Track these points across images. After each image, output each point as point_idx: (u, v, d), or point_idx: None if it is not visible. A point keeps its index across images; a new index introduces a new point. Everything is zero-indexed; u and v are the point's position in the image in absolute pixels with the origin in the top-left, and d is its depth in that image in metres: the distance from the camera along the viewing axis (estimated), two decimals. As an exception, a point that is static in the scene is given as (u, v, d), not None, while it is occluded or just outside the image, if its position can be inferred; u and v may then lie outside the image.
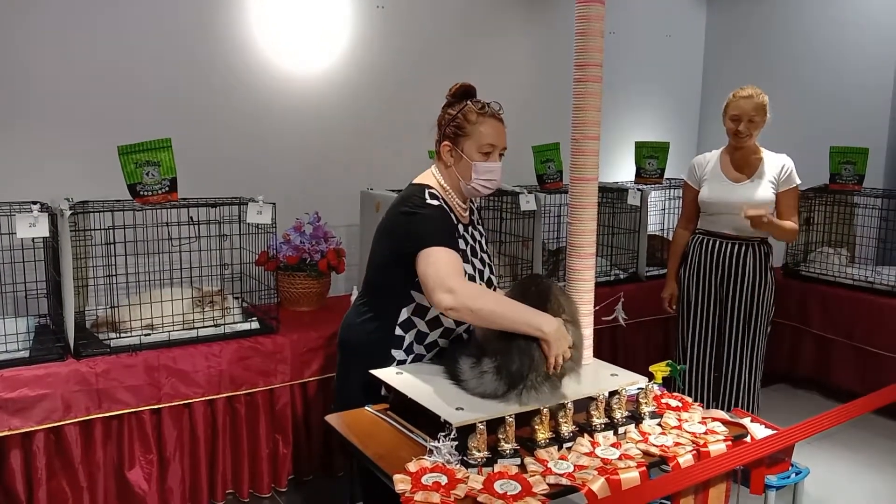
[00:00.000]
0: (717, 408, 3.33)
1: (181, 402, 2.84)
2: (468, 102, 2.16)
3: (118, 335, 2.82)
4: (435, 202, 2.10)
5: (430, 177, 2.21)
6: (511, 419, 1.74)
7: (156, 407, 2.80)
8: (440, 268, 1.94)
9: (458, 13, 4.46)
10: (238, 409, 2.98)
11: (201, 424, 2.90)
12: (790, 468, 2.24)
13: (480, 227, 2.34)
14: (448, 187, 2.18)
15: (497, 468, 1.68)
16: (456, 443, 1.70)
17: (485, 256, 2.27)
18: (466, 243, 2.17)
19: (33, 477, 2.59)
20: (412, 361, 2.19)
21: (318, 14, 3.94)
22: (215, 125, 3.69)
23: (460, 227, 2.16)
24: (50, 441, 2.62)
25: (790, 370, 4.55)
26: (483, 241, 2.30)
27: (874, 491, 3.37)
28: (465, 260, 2.11)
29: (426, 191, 2.13)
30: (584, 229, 2.26)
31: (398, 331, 2.17)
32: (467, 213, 2.25)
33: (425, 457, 1.71)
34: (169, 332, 2.88)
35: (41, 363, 2.60)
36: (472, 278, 2.14)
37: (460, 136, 2.13)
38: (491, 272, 2.27)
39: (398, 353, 2.18)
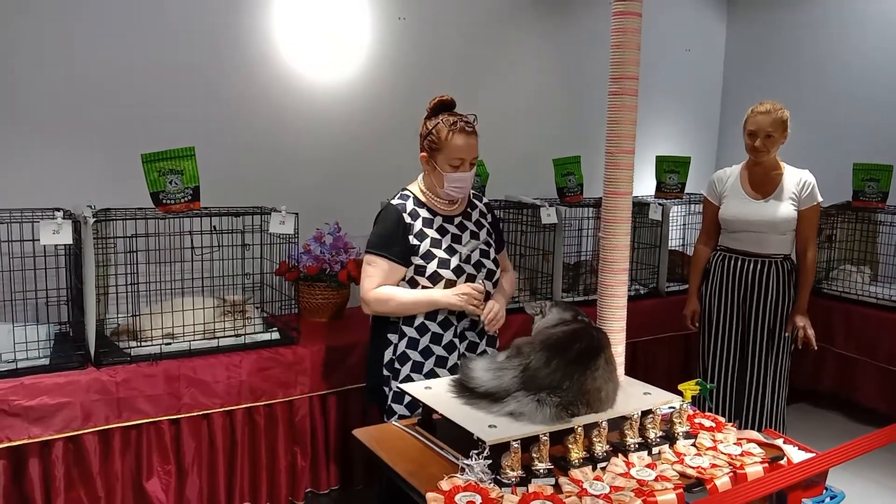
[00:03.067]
0: (741, 427, 3.29)
1: (200, 413, 2.82)
2: (440, 119, 2.34)
3: (139, 344, 2.80)
4: (396, 201, 2.40)
5: (418, 179, 2.47)
6: (545, 437, 1.71)
7: (175, 417, 2.77)
8: (363, 280, 2.36)
9: (478, 25, 4.45)
10: (257, 421, 2.95)
11: (220, 435, 2.87)
12: (825, 492, 2.19)
13: (483, 220, 2.50)
14: (427, 189, 2.42)
15: (532, 488, 1.64)
16: (489, 461, 1.66)
17: (477, 244, 2.43)
18: (445, 233, 2.37)
19: (51, 486, 2.56)
20: (406, 346, 2.35)
21: (339, 25, 3.94)
22: (238, 134, 3.67)
23: (437, 220, 2.38)
24: (69, 450, 2.59)
25: (812, 389, 4.49)
26: (482, 232, 2.47)
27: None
28: (437, 246, 2.35)
29: (400, 191, 2.44)
30: (617, 244, 2.23)
31: (392, 317, 2.39)
32: (456, 206, 2.44)
33: (457, 475, 1.67)
34: (189, 341, 2.86)
35: (61, 371, 2.58)
36: (444, 263, 2.33)
37: (434, 150, 2.34)
38: (483, 256, 2.42)
39: (392, 337, 2.39)
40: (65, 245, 2.68)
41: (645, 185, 4.80)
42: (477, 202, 2.54)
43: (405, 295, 2.32)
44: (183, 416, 2.78)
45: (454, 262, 2.33)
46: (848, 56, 5.07)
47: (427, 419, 1.98)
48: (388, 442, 1.93)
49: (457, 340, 2.38)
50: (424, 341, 2.35)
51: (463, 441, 1.77)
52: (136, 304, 2.93)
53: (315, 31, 3.86)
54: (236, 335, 2.96)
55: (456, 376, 2.07)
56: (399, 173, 4.05)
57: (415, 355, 2.35)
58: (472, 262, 2.38)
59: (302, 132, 3.87)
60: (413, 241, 2.33)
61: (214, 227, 3.02)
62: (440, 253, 2.34)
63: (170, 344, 2.83)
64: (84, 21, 3.25)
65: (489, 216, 2.54)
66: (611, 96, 2.18)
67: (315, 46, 3.87)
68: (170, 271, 3.06)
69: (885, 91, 4.89)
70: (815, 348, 3.33)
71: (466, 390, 1.91)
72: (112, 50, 3.32)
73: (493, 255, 2.46)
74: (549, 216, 3.74)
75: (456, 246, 2.37)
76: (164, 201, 2.73)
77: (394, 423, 2.05)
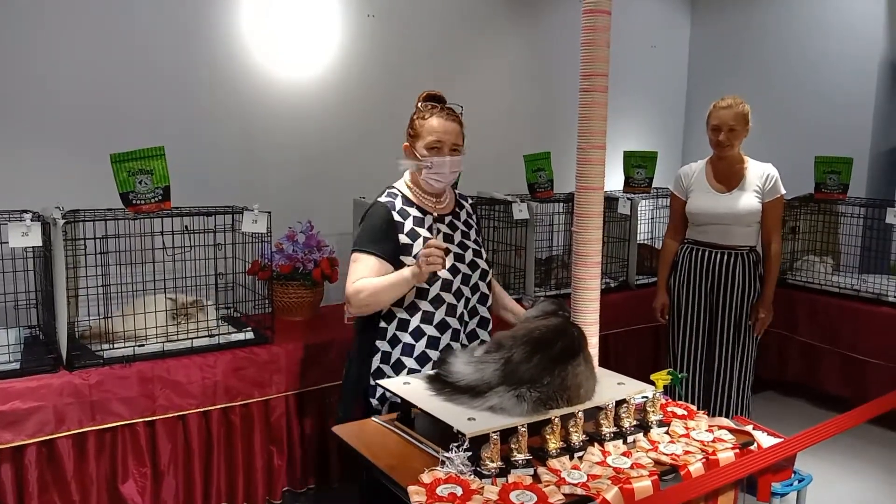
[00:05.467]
0: (707, 414, 3.37)
1: (175, 414, 2.80)
2: (418, 106, 2.33)
3: (111, 346, 2.77)
4: (384, 198, 2.32)
5: (405, 175, 2.41)
6: (524, 429, 1.74)
7: (150, 419, 2.75)
8: (348, 277, 2.24)
9: (449, 22, 4.47)
10: (233, 421, 2.94)
11: (196, 436, 2.86)
12: (793, 475, 2.26)
13: (471, 220, 2.46)
14: (413, 185, 2.36)
15: (511, 478, 1.67)
16: (469, 453, 1.69)
17: (468, 243, 2.38)
18: (436, 232, 2.31)
19: (25, 491, 2.52)
20: (401, 353, 2.27)
21: (309, 22, 3.93)
22: (208, 133, 3.65)
23: (428, 219, 2.31)
24: (42, 455, 2.56)
25: (778, 377, 4.60)
26: (472, 232, 2.43)
27: (868, 497, 3.41)
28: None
29: (387, 189, 2.37)
30: (589, 238, 2.27)
31: (381, 323, 2.29)
32: (444, 204, 2.38)
33: (438, 468, 1.69)
34: (163, 342, 2.84)
35: (33, 375, 2.54)
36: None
37: (413, 137, 2.32)
38: (476, 256, 2.38)
39: (383, 345, 2.29)
40: (34, 247, 2.64)
41: (613, 180, 4.87)
42: (463, 202, 2.49)
43: (376, 282, 2.18)
44: (158, 417, 2.76)
45: (449, 261, 2.25)
46: (809, 53, 5.20)
47: (406, 414, 2.00)
48: (368, 438, 1.94)
49: (454, 344, 2.30)
50: (421, 346, 2.27)
51: (443, 435, 1.79)
52: (108, 306, 2.89)
53: (284, 29, 3.85)
54: (210, 335, 2.94)
55: (432, 372, 2.04)
56: (371, 171, 4.06)
57: (410, 362, 2.26)
58: (467, 261, 2.33)
59: (272, 131, 3.86)
60: (405, 239, 2.26)
61: (186, 226, 3.00)
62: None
63: (143, 346, 2.81)
64: (50, 21, 3.21)
65: (474, 217, 2.50)
66: (582, 93, 2.21)
67: (284, 44, 3.86)
68: (141, 272, 3.03)
69: (845, 87, 5.02)
70: (757, 334, 3.43)
71: (446, 385, 1.90)
72: (78, 50, 3.28)
73: (484, 255, 2.42)
74: (520, 212, 3.77)
75: (449, 246, 2.30)
76: (134, 202, 2.71)
77: (374, 419, 2.07)
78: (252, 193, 3.46)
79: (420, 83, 4.22)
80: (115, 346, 2.78)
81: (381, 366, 2.29)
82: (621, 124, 5.42)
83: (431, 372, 2.06)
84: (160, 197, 2.76)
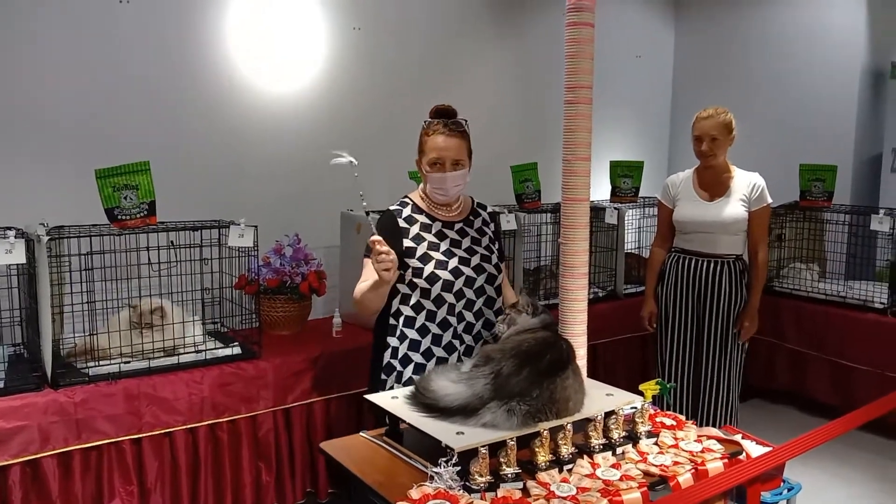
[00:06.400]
0: (697, 424, 3.37)
1: (162, 431, 2.77)
2: (427, 121, 2.42)
3: (97, 363, 2.74)
4: (394, 207, 2.45)
5: (420, 186, 2.52)
6: (513, 442, 1.73)
7: (136, 436, 2.72)
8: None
9: (434, 34, 4.48)
10: (220, 437, 2.91)
11: (183, 453, 2.83)
12: (782, 484, 2.26)
13: (486, 227, 2.53)
14: (424, 195, 2.47)
15: (500, 493, 1.66)
16: (458, 468, 1.68)
17: (477, 248, 2.45)
18: (444, 237, 2.40)
19: (9, 512, 2.50)
20: (408, 349, 2.37)
21: (295, 36, 3.93)
22: (193, 148, 3.64)
23: (436, 225, 2.41)
24: (26, 474, 2.52)
25: (766, 385, 4.61)
26: (484, 239, 2.49)
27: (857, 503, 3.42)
28: (435, 249, 2.37)
29: (402, 198, 2.50)
30: (576, 249, 2.27)
31: (391, 320, 2.41)
32: (456, 212, 2.48)
33: (426, 483, 1.68)
34: (150, 359, 2.81)
35: (17, 394, 2.52)
36: (441, 264, 2.35)
37: (421, 153, 2.43)
38: (484, 261, 2.44)
39: (392, 341, 2.41)
40: (18, 264, 2.62)
41: (600, 189, 4.88)
42: (481, 210, 2.57)
43: (363, 286, 2.30)
44: (144, 435, 2.74)
45: (452, 263, 2.36)
46: (792, 62, 5.25)
47: (394, 429, 1.99)
48: (356, 453, 1.93)
49: (456, 342, 2.39)
50: (426, 343, 2.37)
51: (431, 449, 1.78)
52: (93, 323, 2.87)
53: (269, 43, 3.84)
54: (197, 351, 2.92)
55: (418, 396, 1.96)
56: (358, 183, 4.06)
57: (417, 357, 2.37)
58: (472, 265, 2.40)
59: (259, 144, 3.85)
60: (409, 244, 2.35)
61: (172, 241, 2.98)
62: (437, 255, 2.36)
63: (129, 362, 2.78)
64: (35, 38, 3.20)
65: (492, 225, 2.57)
66: (566, 105, 2.22)
67: (270, 58, 3.85)
68: (127, 288, 3.01)
69: (828, 95, 5.07)
70: (742, 341, 3.44)
71: (437, 410, 1.86)
72: (62, 66, 3.27)
73: (494, 259, 2.48)
74: (508, 222, 3.78)
75: (455, 250, 2.39)
76: (119, 217, 2.69)
77: (362, 434, 2.05)
78: (239, 207, 3.44)
79: (406, 95, 4.26)
80: (101, 363, 2.75)
81: (390, 360, 2.41)
82: (607, 134, 5.45)
83: (416, 399, 1.97)
84: (146, 212, 2.75)
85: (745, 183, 3.37)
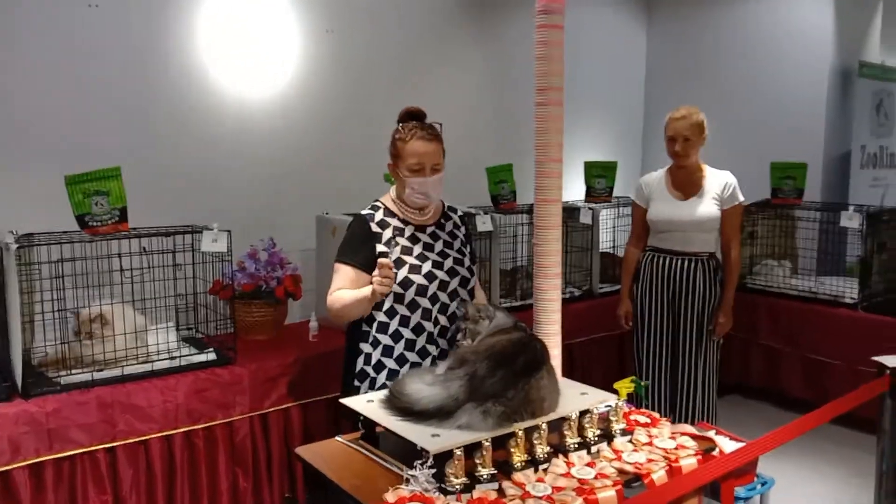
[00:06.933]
0: (675, 421, 3.40)
1: (137, 440, 2.74)
2: (400, 126, 2.39)
3: (69, 372, 2.71)
4: (366, 211, 2.43)
5: (391, 190, 2.49)
6: (488, 443, 1.73)
7: (110, 445, 2.69)
8: (330, 288, 2.36)
9: (408, 37, 4.48)
10: (196, 444, 2.89)
11: (158, 461, 2.80)
12: (756, 479, 2.29)
13: (457, 231, 2.53)
14: (398, 199, 2.44)
15: (476, 494, 1.67)
16: (433, 470, 1.68)
17: (449, 252, 2.44)
18: (416, 241, 2.39)
19: (-21, 525, 2.46)
20: (381, 354, 2.36)
21: (268, 39, 3.91)
22: (165, 152, 3.60)
23: (409, 229, 2.40)
24: (-3, 486, 2.49)
25: (741, 381, 4.66)
26: (456, 242, 2.49)
27: (832, 497, 3.46)
28: (408, 253, 2.35)
29: (373, 202, 2.47)
30: (549, 250, 2.28)
31: (364, 326, 2.39)
32: (428, 216, 2.46)
33: (402, 486, 1.68)
34: (123, 366, 2.78)
35: (-14, 404, 2.48)
36: (415, 269, 2.34)
37: (395, 157, 2.39)
38: (457, 264, 2.43)
39: (365, 347, 2.39)
40: (-15, 273, 2.58)
41: (575, 190, 4.91)
42: (452, 214, 2.56)
43: (346, 295, 2.31)
44: (118, 443, 2.71)
45: (426, 267, 2.35)
46: (763, 62, 5.32)
47: (370, 432, 1.98)
48: (332, 458, 1.92)
49: (430, 347, 2.38)
50: (399, 348, 2.36)
51: (407, 452, 1.78)
52: (65, 332, 2.83)
53: (243, 45, 3.82)
54: (171, 358, 2.89)
55: (393, 399, 1.95)
56: (334, 187, 4.06)
57: (390, 363, 2.36)
58: (446, 268, 2.39)
59: (232, 148, 3.82)
60: (382, 248, 2.34)
61: (144, 248, 2.95)
62: (411, 259, 2.34)
63: (101, 370, 2.75)
64: (1, 45, 3.14)
65: (463, 228, 2.57)
66: (537, 107, 2.23)
67: (243, 60, 3.83)
68: (99, 296, 2.97)
69: (798, 94, 5.14)
70: (717, 338, 3.47)
71: (412, 414, 1.86)
72: (30, 72, 3.23)
73: (467, 262, 2.48)
74: (484, 224, 3.79)
75: (428, 254, 2.38)
76: (90, 224, 2.67)
77: (338, 438, 2.05)
78: (213, 212, 3.42)
79: (380, 98, 4.26)
80: (73, 371, 2.72)
81: (364, 367, 2.39)
82: (581, 135, 5.48)
83: (391, 403, 1.96)
84: (117, 218, 2.72)
85: (717, 182, 3.41)
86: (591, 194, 4.56)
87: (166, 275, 3.11)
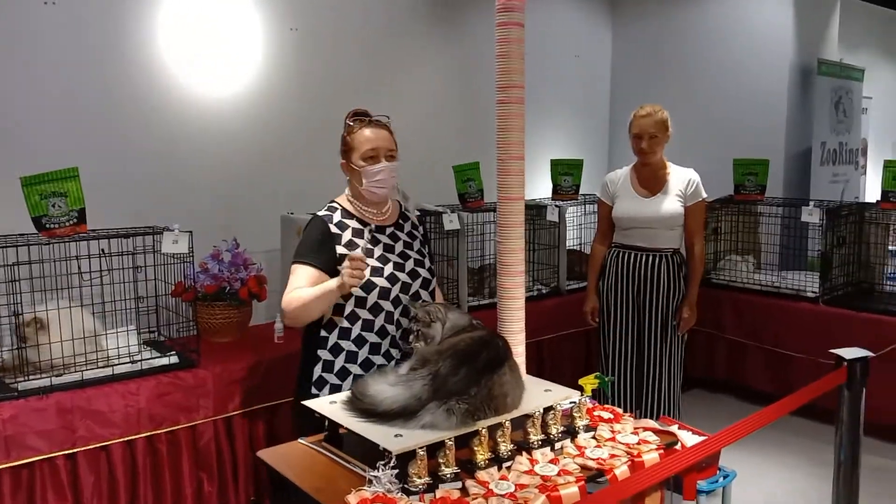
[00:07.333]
0: (640, 415, 3.44)
1: (98, 445, 2.69)
2: (347, 121, 2.36)
3: (26, 378, 2.65)
4: (323, 212, 2.36)
5: (346, 191, 2.43)
6: (451, 442, 1.73)
7: (70, 451, 2.63)
8: (286, 289, 2.27)
9: (372, 35, 4.46)
10: (159, 449, 2.84)
11: (120, 467, 2.75)
12: (718, 472, 2.32)
13: (416, 231, 2.49)
14: (354, 199, 2.39)
15: (439, 493, 1.66)
16: (396, 471, 1.67)
17: (409, 253, 2.41)
18: (377, 242, 2.34)
19: (-66, 537, 2.39)
20: (345, 361, 2.30)
21: (230, 37, 3.86)
22: (125, 152, 3.54)
23: (367, 230, 2.33)
24: (-49, 497, 2.43)
25: (706, 375, 4.72)
26: (416, 243, 2.45)
27: (795, 487, 3.52)
28: (370, 255, 2.28)
29: (328, 203, 2.41)
30: (512, 248, 2.28)
31: (322, 332, 2.33)
32: (386, 216, 2.42)
33: (365, 487, 1.67)
34: (82, 371, 2.73)
35: (-61, 413, 2.42)
36: (377, 271, 2.29)
37: (347, 151, 2.35)
38: (417, 266, 2.40)
39: (324, 353, 2.32)
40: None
41: (541, 188, 4.93)
42: (409, 214, 2.52)
43: (305, 293, 2.21)
44: (79, 449, 2.65)
45: (388, 269, 2.30)
46: (725, 60, 5.39)
47: (333, 434, 1.97)
48: (294, 460, 1.90)
49: (394, 351, 2.34)
50: (364, 353, 2.31)
51: (370, 453, 1.77)
52: (24, 337, 2.76)
53: (204, 43, 3.77)
54: (132, 361, 2.85)
55: (356, 401, 1.93)
56: (298, 186, 4.02)
57: (355, 369, 2.30)
58: (407, 270, 2.35)
59: (194, 148, 3.77)
60: (342, 250, 2.28)
61: (103, 250, 2.90)
62: (372, 262, 2.28)
63: (61, 375, 2.70)
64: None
65: (421, 228, 2.53)
66: (498, 105, 2.23)
67: (204, 58, 3.78)
68: (57, 299, 2.91)
69: (759, 91, 5.22)
70: (682, 333, 3.52)
71: (375, 415, 1.85)
72: (-18, 69, 3.15)
73: (427, 264, 2.44)
74: (451, 222, 3.79)
75: (388, 255, 2.34)
76: (47, 226, 2.62)
77: (301, 440, 2.03)
78: (175, 213, 3.36)
79: (345, 96, 4.22)
80: (31, 377, 2.66)
81: (323, 374, 2.32)
82: (548, 133, 5.51)
83: (353, 406, 1.94)
84: (75, 220, 2.68)
85: (680, 179, 3.45)
86: (557, 192, 4.59)
87: (127, 277, 3.06)
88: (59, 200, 2.63)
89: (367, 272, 2.23)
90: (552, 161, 4.59)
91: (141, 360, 2.87)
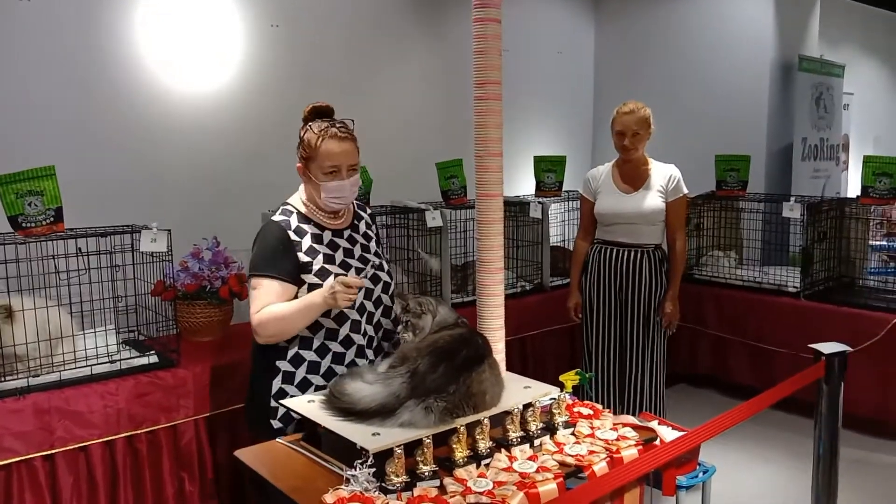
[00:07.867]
0: (624, 411, 3.44)
1: (76, 446, 2.66)
2: (310, 126, 2.24)
3: (3, 378, 2.62)
4: (278, 217, 2.26)
5: (299, 191, 2.34)
6: (429, 440, 1.73)
7: (48, 453, 2.60)
8: (251, 306, 2.18)
9: (354, 31, 4.44)
10: (139, 449, 2.82)
11: (99, 468, 2.72)
12: (698, 467, 2.32)
13: (370, 231, 2.42)
14: (309, 201, 2.29)
15: (416, 492, 1.65)
16: (373, 469, 1.66)
17: (369, 256, 2.34)
18: (336, 248, 2.26)
19: None
20: (307, 371, 2.22)
21: (210, 33, 3.84)
22: (102, 150, 3.51)
23: (327, 235, 2.26)
24: (-73, 500, 2.40)
25: (689, 370, 4.74)
26: (372, 244, 2.38)
27: (775, 481, 3.54)
28: (331, 262, 2.22)
29: (282, 206, 2.31)
30: (491, 244, 2.28)
31: (280, 342, 2.22)
32: (342, 219, 2.33)
33: (342, 486, 1.66)
34: (60, 371, 2.70)
35: (-86, 415, 2.38)
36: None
37: (307, 159, 2.22)
38: (378, 269, 2.33)
39: (283, 364, 2.23)
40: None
41: (525, 184, 4.93)
42: (362, 213, 2.44)
43: (283, 310, 2.13)
44: (57, 450, 2.62)
45: (350, 276, 2.18)
46: (706, 56, 5.41)
47: (312, 433, 1.96)
48: (272, 460, 1.89)
49: (359, 360, 2.27)
50: (326, 363, 2.23)
51: (348, 452, 1.76)
52: (-2, 337, 2.73)
53: (184, 39, 3.74)
54: (111, 361, 2.82)
55: (334, 400, 1.91)
56: (279, 184, 3.99)
57: (317, 379, 2.22)
58: (368, 275, 2.28)
59: (173, 146, 3.74)
60: (304, 258, 2.19)
61: (80, 249, 2.87)
62: (335, 269, 2.21)
63: (38, 375, 2.67)
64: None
65: (374, 227, 2.46)
66: (476, 101, 2.23)
67: (185, 55, 3.75)
68: (32, 299, 2.88)
69: (741, 88, 5.25)
70: (672, 331, 3.54)
71: (353, 414, 1.84)
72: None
73: (387, 267, 2.38)
74: (434, 219, 3.78)
75: (349, 261, 2.26)
76: (23, 225, 2.59)
77: (279, 440, 2.02)
78: (154, 211, 3.34)
79: (327, 93, 4.17)
80: (7, 378, 2.63)
81: (283, 386, 2.23)
82: (531, 130, 5.51)
83: (331, 403, 1.93)
84: (52, 219, 2.65)
85: (662, 175, 3.46)
86: (540, 189, 4.59)
87: (105, 276, 3.03)
88: (35, 199, 2.61)
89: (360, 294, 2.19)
90: (535, 158, 4.59)
91: (120, 360, 2.85)
